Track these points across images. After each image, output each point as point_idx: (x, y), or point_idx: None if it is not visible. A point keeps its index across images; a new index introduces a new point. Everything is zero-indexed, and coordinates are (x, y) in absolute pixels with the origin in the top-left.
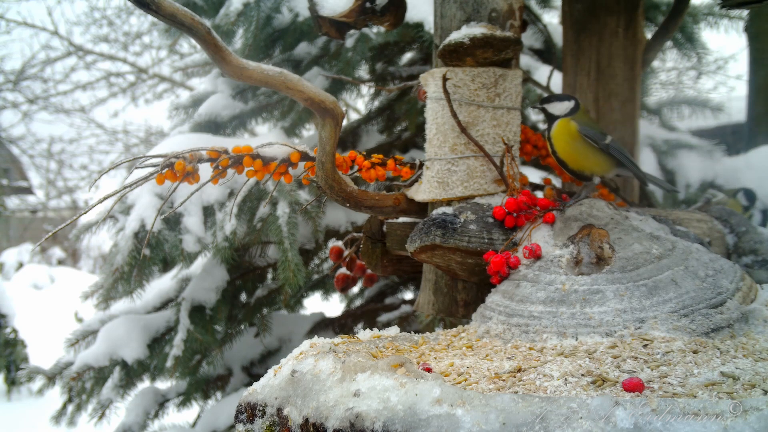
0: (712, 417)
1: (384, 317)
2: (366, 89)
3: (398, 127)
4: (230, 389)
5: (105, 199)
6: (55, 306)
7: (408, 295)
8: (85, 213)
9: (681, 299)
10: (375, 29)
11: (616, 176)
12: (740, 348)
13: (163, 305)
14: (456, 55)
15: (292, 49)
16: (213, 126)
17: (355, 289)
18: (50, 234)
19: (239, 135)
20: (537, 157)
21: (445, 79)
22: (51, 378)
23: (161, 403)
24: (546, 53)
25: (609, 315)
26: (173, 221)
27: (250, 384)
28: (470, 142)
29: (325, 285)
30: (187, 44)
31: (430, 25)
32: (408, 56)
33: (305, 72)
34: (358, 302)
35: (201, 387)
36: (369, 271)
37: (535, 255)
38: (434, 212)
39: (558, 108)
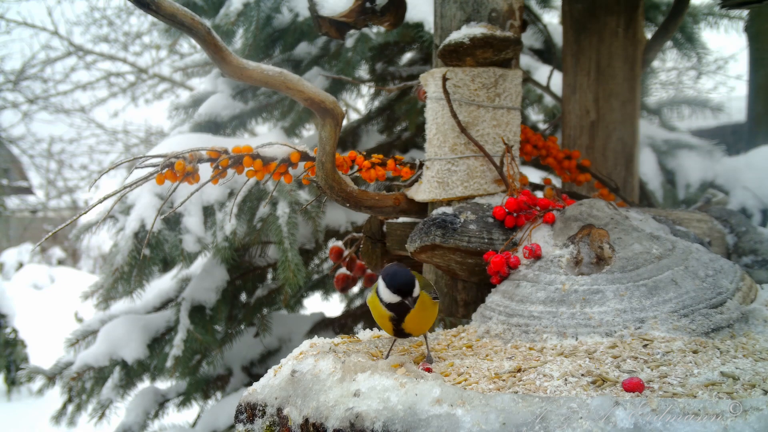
0: (712, 417)
1: None
2: (366, 89)
3: (398, 127)
4: (230, 389)
5: (105, 199)
6: (55, 306)
7: None
8: (85, 213)
9: (681, 299)
10: (375, 29)
11: None
12: (740, 348)
13: (163, 305)
14: (456, 55)
15: (292, 49)
16: (213, 126)
17: (355, 289)
18: (50, 234)
19: (239, 135)
20: (537, 157)
21: (445, 79)
22: (51, 378)
23: (161, 403)
24: (546, 53)
25: (609, 315)
26: (173, 221)
27: (250, 384)
28: (470, 142)
29: (325, 285)
30: (187, 44)
31: (430, 25)
32: (408, 56)
33: (305, 72)
34: (358, 302)
35: (201, 387)
36: (369, 271)
37: (535, 255)
38: (434, 212)
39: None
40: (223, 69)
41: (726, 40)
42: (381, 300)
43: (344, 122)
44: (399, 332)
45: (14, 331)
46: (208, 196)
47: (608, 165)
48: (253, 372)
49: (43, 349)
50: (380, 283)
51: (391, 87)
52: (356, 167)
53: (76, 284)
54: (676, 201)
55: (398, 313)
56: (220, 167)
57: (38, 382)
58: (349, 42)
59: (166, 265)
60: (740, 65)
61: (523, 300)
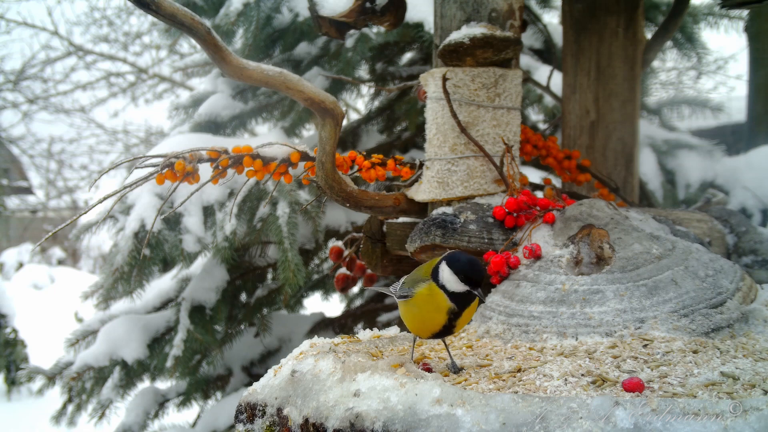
0: (712, 417)
1: (384, 317)
2: (366, 89)
3: (398, 127)
4: (230, 389)
5: (105, 199)
6: (55, 306)
7: None
8: (85, 213)
9: (681, 299)
10: (375, 29)
11: None
12: (740, 348)
13: (163, 305)
14: (456, 55)
15: (292, 49)
16: (213, 126)
17: (355, 289)
18: (50, 234)
19: (239, 135)
20: (537, 157)
21: (445, 79)
22: (51, 378)
23: (161, 403)
24: (546, 53)
25: (609, 315)
26: (173, 221)
27: (250, 384)
28: (470, 142)
29: (325, 285)
30: (187, 44)
31: (430, 25)
32: (408, 56)
33: (305, 72)
34: (358, 302)
35: (201, 387)
36: (369, 271)
37: (535, 255)
38: (434, 212)
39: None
40: (223, 69)
41: (726, 40)
42: (444, 288)
43: (344, 122)
44: (448, 329)
45: (14, 331)
46: (208, 196)
47: (608, 165)
48: (253, 372)
49: (43, 349)
50: (444, 270)
51: (391, 87)
52: (356, 167)
53: (76, 284)
54: (676, 201)
55: (460, 305)
56: (220, 167)
57: (38, 382)
58: (349, 42)
59: (166, 265)
60: (740, 65)
61: (523, 300)
